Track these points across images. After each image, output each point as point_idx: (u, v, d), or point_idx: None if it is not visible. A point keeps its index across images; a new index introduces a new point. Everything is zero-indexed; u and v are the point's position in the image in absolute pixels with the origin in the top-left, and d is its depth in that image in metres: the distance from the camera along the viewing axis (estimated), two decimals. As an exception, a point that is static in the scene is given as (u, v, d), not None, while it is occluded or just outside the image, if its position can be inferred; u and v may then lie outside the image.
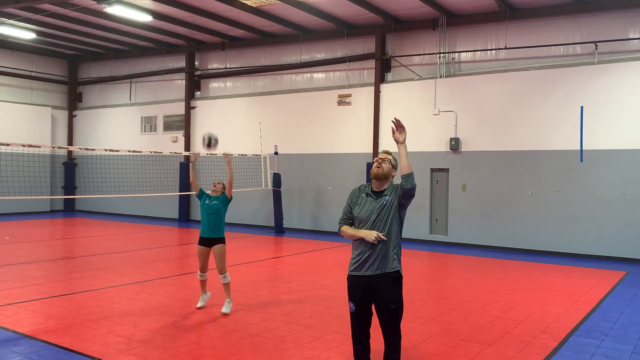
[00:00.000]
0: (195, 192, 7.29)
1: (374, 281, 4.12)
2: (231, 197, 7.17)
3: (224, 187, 7.24)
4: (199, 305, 7.20)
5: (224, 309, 7.00)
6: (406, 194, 4.09)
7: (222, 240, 7.08)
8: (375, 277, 4.11)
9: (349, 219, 4.30)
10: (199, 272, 7.17)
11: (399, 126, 4.14)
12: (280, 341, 5.89)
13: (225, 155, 7.26)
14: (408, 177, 4.06)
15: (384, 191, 4.20)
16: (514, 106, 13.59)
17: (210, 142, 7.05)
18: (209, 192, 7.33)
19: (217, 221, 7.03)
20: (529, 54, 13.65)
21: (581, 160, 12.74)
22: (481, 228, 14.02)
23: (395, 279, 4.15)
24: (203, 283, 7.24)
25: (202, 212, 7.13)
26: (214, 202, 7.08)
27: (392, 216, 4.14)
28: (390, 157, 4.26)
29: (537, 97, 13.29)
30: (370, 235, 4.05)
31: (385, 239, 4.07)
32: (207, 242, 7.06)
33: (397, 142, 4.14)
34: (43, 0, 13.98)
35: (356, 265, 4.19)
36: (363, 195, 4.25)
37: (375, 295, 4.14)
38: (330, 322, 6.66)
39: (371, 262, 4.12)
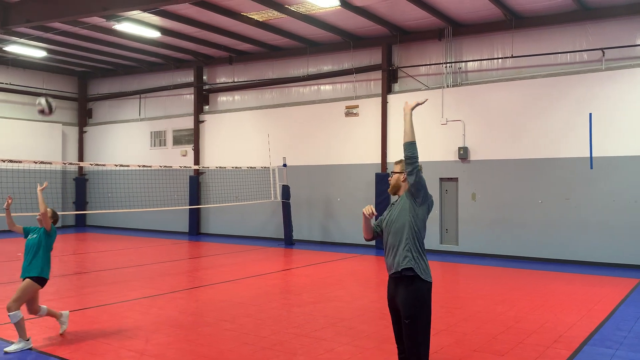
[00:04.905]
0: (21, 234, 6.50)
1: (393, 284, 4.25)
2: (51, 229, 6.31)
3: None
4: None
5: (9, 348, 5.92)
6: (409, 176, 4.15)
7: (35, 279, 6.13)
8: (394, 279, 4.23)
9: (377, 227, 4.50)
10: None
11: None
12: (292, 354, 5.88)
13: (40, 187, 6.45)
14: (406, 146, 4.16)
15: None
16: (522, 114, 13.57)
17: (48, 109, 7.13)
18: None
19: (34, 257, 6.18)
20: (535, 62, 13.65)
21: (591, 168, 12.67)
22: (492, 237, 13.94)
23: (410, 280, 4.07)
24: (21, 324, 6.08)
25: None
26: (34, 236, 6.31)
27: (405, 215, 4.20)
28: (396, 165, 4.42)
29: (545, 105, 13.27)
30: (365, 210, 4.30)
31: (375, 213, 4.25)
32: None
33: (408, 109, 4.22)
34: (53, 19, 14.20)
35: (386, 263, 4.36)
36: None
37: (396, 304, 4.23)
38: (342, 334, 6.64)
39: (388, 261, 4.25)
